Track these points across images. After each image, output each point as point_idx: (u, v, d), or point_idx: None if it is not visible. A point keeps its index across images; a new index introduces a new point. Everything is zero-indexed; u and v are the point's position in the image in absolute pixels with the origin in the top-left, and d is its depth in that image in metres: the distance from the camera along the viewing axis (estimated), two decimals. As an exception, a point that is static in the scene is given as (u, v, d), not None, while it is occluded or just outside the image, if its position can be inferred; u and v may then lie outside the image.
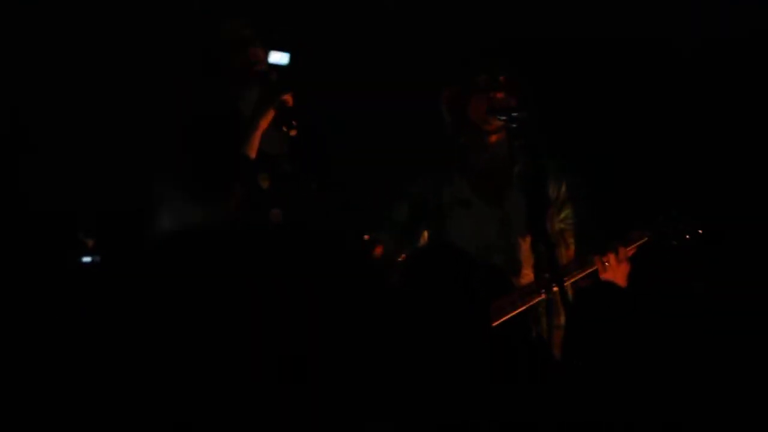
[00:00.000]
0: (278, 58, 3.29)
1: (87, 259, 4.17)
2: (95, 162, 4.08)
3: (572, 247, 3.56)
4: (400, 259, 3.48)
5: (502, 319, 3.30)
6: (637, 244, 3.41)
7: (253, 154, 3.15)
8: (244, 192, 3.13)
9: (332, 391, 2.99)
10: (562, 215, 3.57)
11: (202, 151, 3.16)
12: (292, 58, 3.28)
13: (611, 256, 3.35)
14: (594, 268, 3.35)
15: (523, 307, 3.31)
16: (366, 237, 3.47)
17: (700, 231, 3.39)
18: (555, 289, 3.16)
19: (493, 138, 3.50)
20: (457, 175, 3.54)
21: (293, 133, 3.17)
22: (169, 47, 3.48)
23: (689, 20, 4.30)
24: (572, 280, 3.36)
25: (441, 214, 3.51)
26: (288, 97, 3.17)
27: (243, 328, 3.00)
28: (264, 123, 3.16)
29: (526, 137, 3.37)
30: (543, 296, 3.25)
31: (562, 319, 3.39)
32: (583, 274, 3.36)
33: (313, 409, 2.90)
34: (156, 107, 3.42)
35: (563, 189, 3.56)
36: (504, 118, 3.36)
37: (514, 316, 3.30)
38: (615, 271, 3.35)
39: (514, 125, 3.35)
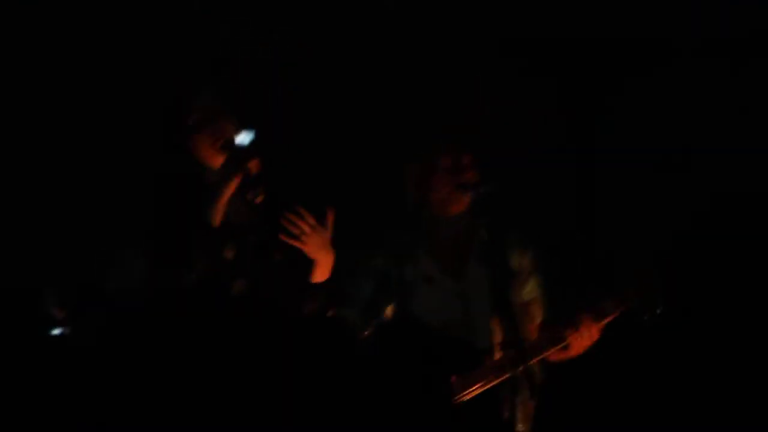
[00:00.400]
0: (243, 138, 3.32)
1: (57, 331, 4.15)
2: (58, 229, 4.08)
3: (537, 320, 3.56)
4: (364, 334, 3.48)
5: (468, 395, 3.28)
6: (610, 317, 3.39)
7: (217, 223, 3.16)
8: (207, 262, 3.13)
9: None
10: (527, 288, 3.58)
11: (166, 219, 3.16)
12: (256, 134, 3.30)
13: (583, 331, 3.32)
14: (566, 342, 3.34)
15: (489, 385, 3.30)
16: (330, 314, 3.45)
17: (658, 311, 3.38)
18: (521, 368, 3.14)
19: (457, 215, 3.54)
20: (420, 253, 3.56)
21: (259, 200, 3.18)
22: (141, 108, 3.50)
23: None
24: (542, 356, 3.34)
25: (404, 290, 3.52)
26: (253, 165, 3.18)
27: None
28: (229, 191, 3.17)
29: (489, 211, 3.38)
30: (509, 374, 3.22)
31: (528, 394, 3.34)
32: (555, 348, 3.34)
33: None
34: (119, 171, 3.44)
35: (526, 261, 3.58)
36: (471, 194, 3.39)
37: (480, 392, 3.29)
38: (583, 341, 3.34)
39: (480, 200, 3.35)
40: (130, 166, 3.40)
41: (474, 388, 3.30)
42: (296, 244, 3.23)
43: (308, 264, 3.30)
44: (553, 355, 3.37)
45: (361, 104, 4.32)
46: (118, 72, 4.16)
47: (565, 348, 3.36)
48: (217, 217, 3.15)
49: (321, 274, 3.31)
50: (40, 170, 4.11)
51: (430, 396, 3.32)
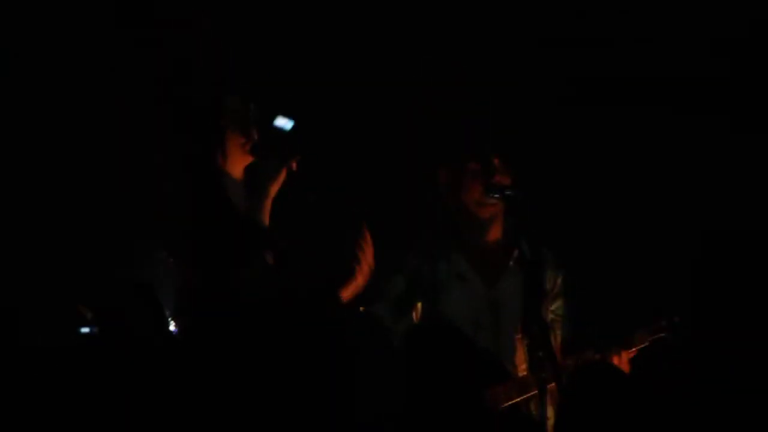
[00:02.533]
0: (283, 123, 3.29)
1: (86, 329, 4.16)
2: (95, 233, 4.09)
3: (559, 339, 3.59)
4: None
5: (497, 408, 3.27)
6: (639, 347, 3.41)
7: (266, 222, 3.13)
8: (257, 263, 3.08)
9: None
10: (554, 306, 3.63)
11: (207, 219, 3.14)
12: (295, 125, 3.28)
13: (614, 359, 3.32)
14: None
15: (518, 399, 3.33)
16: (361, 309, 3.44)
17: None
18: (552, 386, 3.14)
19: (490, 220, 3.57)
20: (454, 252, 3.58)
21: (310, 198, 3.16)
22: (168, 113, 3.48)
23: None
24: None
25: (435, 288, 3.54)
26: (295, 162, 3.16)
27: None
28: (274, 189, 3.14)
29: (521, 217, 3.38)
30: (536, 391, 3.23)
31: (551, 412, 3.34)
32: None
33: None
34: (150, 177, 3.43)
35: (558, 282, 3.62)
36: (498, 195, 3.39)
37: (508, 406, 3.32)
38: None
39: (509, 204, 3.37)
40: (160, 166, 3.38)
41: (504, 400, 3.30)
42: (358, 267, 3.18)
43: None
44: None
45: (392, 106, 4.30)
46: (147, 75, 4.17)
47: None
48: (266, 216, 3.12)
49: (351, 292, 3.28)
50: (73, 169, 4.13)
51: (456, 404, 3.31)
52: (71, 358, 4.18)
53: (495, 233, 3.60)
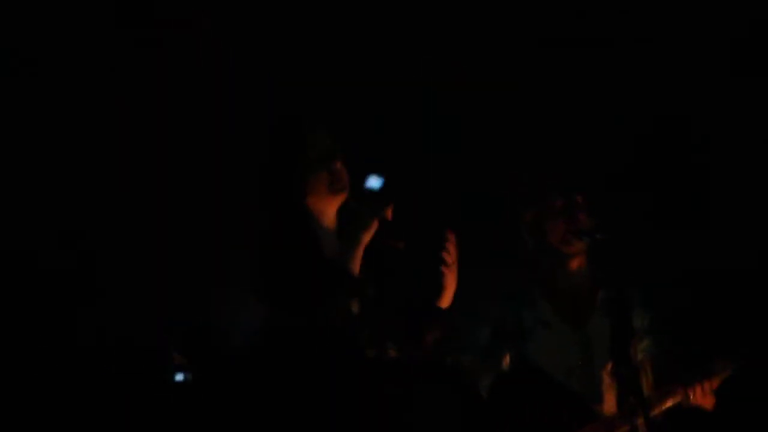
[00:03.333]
0: (374, 182, 3.28)
1: (180, 376, 4.24)
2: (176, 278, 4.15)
3: (650, 378, 3.53)
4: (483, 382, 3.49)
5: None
6: (722, 376, 3.40)
7: (357, 270, 3.05)
8: (339, 310, 3.07)
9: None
10: (643, 345, 3.56)
11: (287, 261, 3.05)
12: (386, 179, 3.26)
13: (697, 389, 3.33)
14: (678, 399, 3.35)
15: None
16: (450, 359, 3.47)
17: None
18: (640, 421, 3.14)
19: (575, 260, 3.52)
20: (538, 298, 3.55)
21: (400, 246, 3.14)
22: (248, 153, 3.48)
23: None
24: (655, 411, 3.35)
25: (522, 337, 3.51)
26: (389, 210, 3.10)
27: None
28: (367, 237, 3.06)
29: (607, 259, 3.38)
30: (628, 428, 3.23)
31: None
32: (668, 404, 3.34)
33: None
34: (233, 220, 3.45)
35: (647, 321, 3.57)
36: (584, 239, 3.38)
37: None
38: (701, 402, 3.35)
39: (595, 246, 3.37)
40: (244, 203, 3.38)
41: None
42: (446, 270, 3.12)
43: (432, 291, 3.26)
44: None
45: (471, 142, 4.32)
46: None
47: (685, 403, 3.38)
48: (357, 264, 3.04)
49: (448, 298, 3.20)
50: (153, 212, 4.20)
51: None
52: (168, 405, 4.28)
53: (580, 274, 3.54)
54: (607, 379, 3.43)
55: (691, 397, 3.36)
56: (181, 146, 4.21)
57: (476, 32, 4.35)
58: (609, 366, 3.43)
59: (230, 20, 4.26)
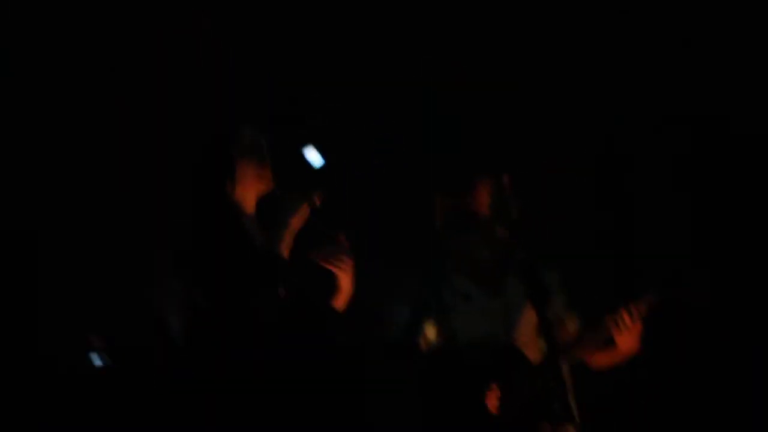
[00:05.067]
0: (314, 158, 3.29)
1: (97, 360, 4.19)
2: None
3: (576, 328, 3.65)
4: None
5: (513, 404, 3.39)
6: (648, 304, 3.46)
7: (286, 254, 3.11)
8: (267, 296, 3.10)
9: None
10: (558, 302, 3.65)
11: (213, 248, 3.09)
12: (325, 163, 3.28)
13: (624, 316, 3.42)
14: (608, 333, 3.44)
15: (532, 392, 3.39)
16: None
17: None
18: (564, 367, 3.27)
19: (488, 231, 3.60)
20: (452, 272, 3.62)
21: (333, 234, 3.20)
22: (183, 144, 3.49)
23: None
24: (586, 351, 3.48)
25: (444, 312, 3.57)
26: (318, 198, 3.18)
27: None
28: (296, 222, 3.14)
29: (526, 230, 3.50)
30: (548, 382, 3.31)
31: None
32: (597, 341, 3.46)
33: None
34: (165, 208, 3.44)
35: (554, 278, 3.65)
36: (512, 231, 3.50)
37: (525, 400, 3.40)
38: (628, 335, 3.44)
39: (518, 221, 3.48)
40: (173, 193, 3.39)
41: (519, 396, 3.39)
42: (338, 271, 3.23)
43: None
44: (602, 358, 3.51)
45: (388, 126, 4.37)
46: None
47: (611, 346, 3.46)
48: (285, 250, 3.11)
49: (343, 300, 3.32)
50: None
51: (477, 407, 3.41)
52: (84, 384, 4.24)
53: (493, 244, 3.62)
54: (530, 339, 3.54)
55: (620, 325, 3.41)
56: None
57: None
58: (531, 326, 3.53)
59: (230, 21, 4.24)
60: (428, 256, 3.69)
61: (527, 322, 3.54)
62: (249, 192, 3.25)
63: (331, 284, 3.27)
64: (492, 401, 3.38)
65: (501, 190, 3.57)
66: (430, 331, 3.60)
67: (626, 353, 3.49)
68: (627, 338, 3.45)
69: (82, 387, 4.18)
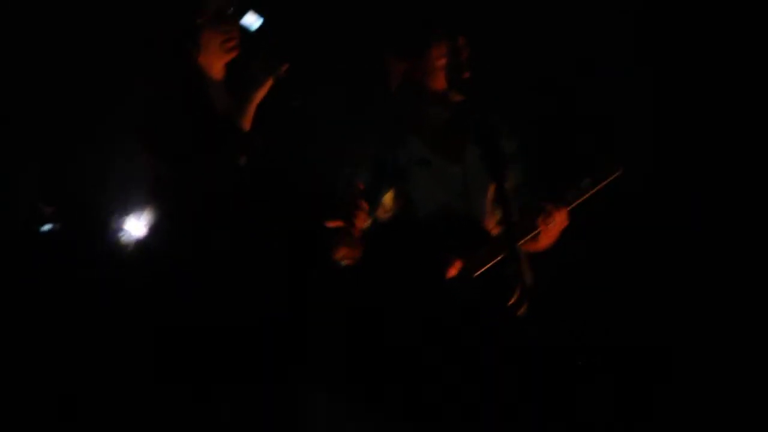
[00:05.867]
0: (251, 21, 3.28)
1: (46, 227, 4.15)
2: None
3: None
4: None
5: (474, 274, 3.40)
6: (575, 203, 3.46)
7: (248, 127, 3.16)
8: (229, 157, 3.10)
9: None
10: (516, 171, 3.65)
11: (178, 109, 3.14)
12: (265, 24, 3.26)
13: (552, 216, 3.42)
14: (537, 230, 3.43)
15: (490, 264, 3.40)
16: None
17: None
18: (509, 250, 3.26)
19: (457, 97, 3.56)
20: (408, 136, 3.56)
21: (295, 104, 3.19)
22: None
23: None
24: (522, 240, 3.43)
25: (400, 176, 3.53)
26: (284, 68, 3.20)
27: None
28: (260, 95, 3.17)
29: (475, 90, 3.46)
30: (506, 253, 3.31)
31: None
32: (530, 235, 3.44)
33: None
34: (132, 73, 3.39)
35: (513, 145, 3.64)
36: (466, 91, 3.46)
37: (484, 272, 3.39)
38: (555, 229, 3.44)
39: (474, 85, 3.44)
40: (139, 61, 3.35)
41: (478, 266, 3.39)
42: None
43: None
44: (528, 245, 3.47)
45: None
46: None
47: (537, 235, 3.44)
48: (248, 121, 3.15)
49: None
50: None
51: (435, 277, 3.44)
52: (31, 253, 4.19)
53: (449, 108, 3.60)
54: (488, 208, 3.54)
55: (547, 223, 3.40)
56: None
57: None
58: (489, 194, 3.53)
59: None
60: (384, 119, 3.63)
61: (487, 191, 3.53)
62: (214, 59, 3.25)
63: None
64: (452, 272, 3.39)
65: (456, 52, 3.51)
66: (387, 198, 3.55)
67: (547, 244, 3.48)
68: (551, 231, 3.44)
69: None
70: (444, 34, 3.53)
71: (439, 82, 3.53)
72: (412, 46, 3.57)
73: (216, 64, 3.23)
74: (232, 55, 3.24)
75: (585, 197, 3.44)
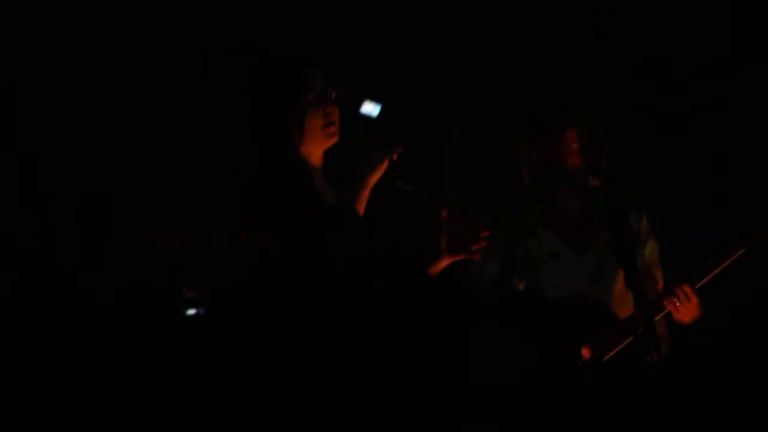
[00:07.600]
0: (370, 109, 3.21)
1: (191, 311, 4.26)
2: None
3: (661, 282, 3.60)
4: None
5: (604, 356, 3.39)
6: (701, 281, 3.41)
7: (361, 211, 3.00)
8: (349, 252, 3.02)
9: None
10: (647, 249, 3.60)
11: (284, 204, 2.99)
12: (383, 110, 3.21)
13: (679, 296, 3.37)
14: (666, 309, 3.39)
15: (621, 345, 3.38)
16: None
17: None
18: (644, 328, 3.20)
19: (591, 183, 3.51)
20: (540, 227, 3.56)
21: (408, 189, 3.09)
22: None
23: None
24: (661, 315, 3.40)
25: (531, 266, 3.52)
26: (397, 152, 3.04)
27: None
28: (374, 180, 3.01)
29: (602, 175, 3.43)
30: (637, 333, 3.29)
31: (654, 357, 3.37)
32: (658, 315, 3.39)
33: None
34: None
35: (644, 223, 3.60)
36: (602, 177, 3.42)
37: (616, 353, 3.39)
38: (685, 309, 3.39)
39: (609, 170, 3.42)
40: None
41: (608, 348, 3.38)
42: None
43: None
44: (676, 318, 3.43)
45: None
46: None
47: (669, 313, 3.40)
48: (362, 206, 2.99)
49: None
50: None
51: (569, 361, 3.40)
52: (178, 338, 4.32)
53: (576, 199, 3.57)
54: (620, 293, 3.50)
55: (675, 303, 3.36)
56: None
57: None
58: (620, 280, 3.49)
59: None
60: (514, 209, 3.63)
61: (617, 276, 3.49)
62: (315, 145, 3.12)
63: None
64: (585, 355, 3.37)
65: (591, 136, 3.48)
66: (519, 288, 3.55)
67: (687, 322, 3.44)
68: (684, 309, 3.38)
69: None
70: (579, 117, 3.52)
71: (574, 167, 3.49)
72: (547, 131, 3.54)
73: (316, 150, 3.16)
74: (333, 140, 3.14)
75: (710, 276, 3.40)
